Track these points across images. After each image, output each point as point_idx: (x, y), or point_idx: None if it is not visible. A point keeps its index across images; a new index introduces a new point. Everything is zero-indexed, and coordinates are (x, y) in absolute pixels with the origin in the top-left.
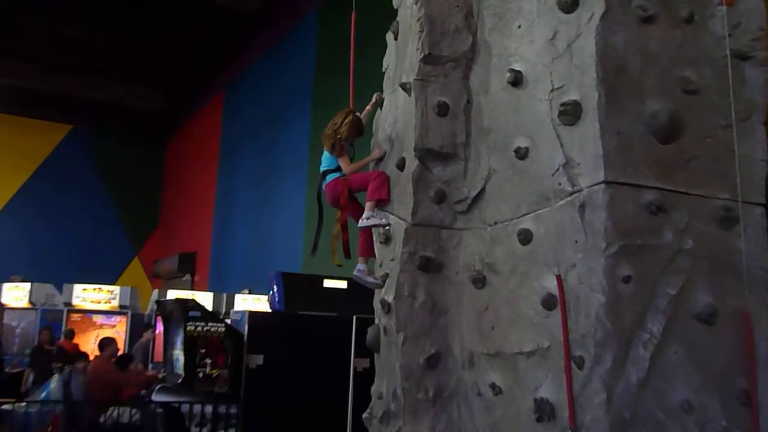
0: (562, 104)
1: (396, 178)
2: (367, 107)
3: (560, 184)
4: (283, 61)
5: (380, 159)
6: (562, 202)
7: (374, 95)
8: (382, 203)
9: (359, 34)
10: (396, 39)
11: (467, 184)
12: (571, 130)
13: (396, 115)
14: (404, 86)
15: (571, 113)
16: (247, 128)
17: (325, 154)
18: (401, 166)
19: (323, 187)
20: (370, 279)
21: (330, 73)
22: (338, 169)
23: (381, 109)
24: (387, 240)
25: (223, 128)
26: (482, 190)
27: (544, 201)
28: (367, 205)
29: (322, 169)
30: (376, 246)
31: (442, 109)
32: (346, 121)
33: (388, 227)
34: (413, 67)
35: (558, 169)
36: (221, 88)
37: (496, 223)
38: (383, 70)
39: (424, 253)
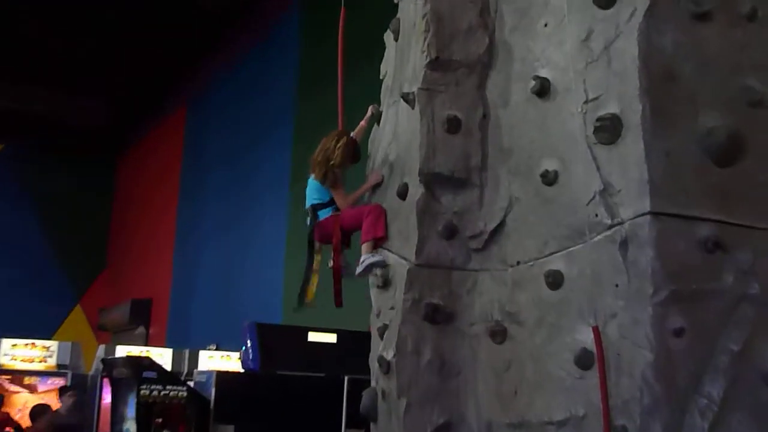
0: (599, 119)
1: (397, 209)
2: (362, 123)
3: (597, 215)
4: (259, 69)
5: (377, 186)
6: (599, 237)
7: (370, 108)
8: (380, 242)
9: (351, 35)
10: (396, 40)
11: (483, 216)
12: (609, 150)
13: (396, 132)
14: (406, 97)
15: (609, 130)
16: (215, 149)
17: (313, 184)
18: (403, 194)
19: (311, 225)
20: (372, 259)
21: (316, 83)
22: (331, 202)
23: (378, 125)
24: (386, 284)
25: (185, 149)
26: (502, 223)
27: (576, 236)
28: (364, 248)
29: (309, 203)
30: (372, 291)
31: (453, 125)
32: (340, 144)
33: (386, 268)
34: (417, 74)
35: (594, 197)
36: (183, 100)
37: (518, 263)
38: (381, 77)
39: (432, 299)
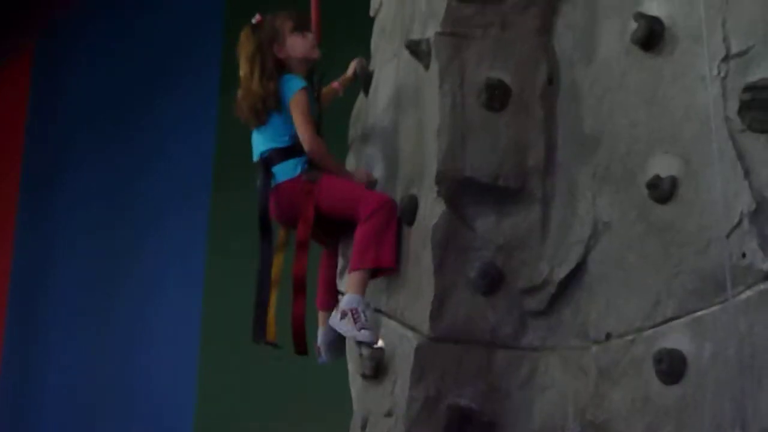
0: (750, 87)
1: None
2: (334, 84)
3: (744, 254)
4: None
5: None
6: (749, 293)
7: (352, 64)
8: (385, 273)
9: None
10: None
11: (549, 254)
12: (767, 140)
13: (398, 106)
14: (416, 47)
15: (767, 106)
16: (85, 113)
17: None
18: (409, 212)
19: (264, 189)
20: (360, 331)
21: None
22: (298, 148)
23: (365, 93)
24: (377, 372)
25: (30, 118)
26: (581, 267)
27: (710, 290)
28: (351, 279)
29: (259, 151)
30: (354, 384)
31: (497, 96)
32: (278, 23)
33: (378, 347)
34: (435, 7)
35: (740, 224)
36: (28, 36)
37: (609, 336)
38: (371, 13)
39: (458, 399)
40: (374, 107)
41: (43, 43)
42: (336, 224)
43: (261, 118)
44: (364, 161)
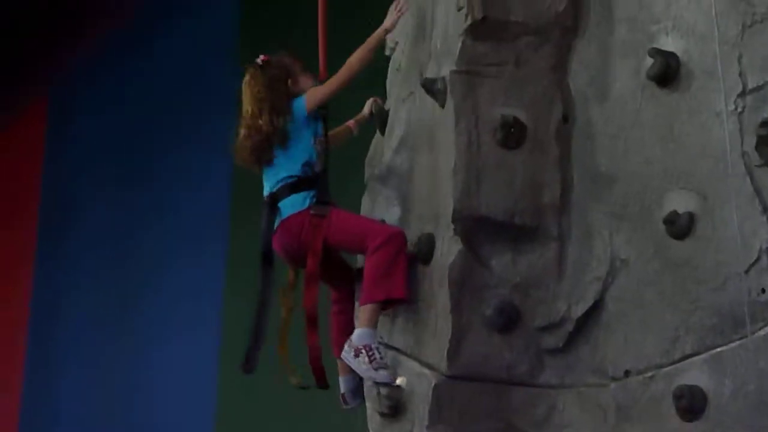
0: (766, 123)
1: (414, 279)
2: (348, 124)
3: (764, 290)
4: (168, 33)
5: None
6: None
7: (368, 103)
8: (396, 304)
9: None
10: None
11: (566, 292)
12: None
13: (412, 144)
14: (431, 86)
15: None
16: (100, 158)
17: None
18: (426, 251)
19: (268, 225)
20: (377, 371)
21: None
22: (307, 182)
23: (381, 132)
24: (395, 410)
25: (46, 163)
26: (598, 305)
27: (728, 327)
28: (362, 312)
29: (270, 187)
30: (374, 423)
31: (512, 134)
32: (288, 61)
33: (397, 385)
34: (451, 46)
35: (759, 260)
36: (42, 88)
37: (628, 373)
38: (387, 52)
39: None
40: (390, 146)
41: (58, 92)
42: (344, 265)
43: (265, 156)
44: (380, 200)
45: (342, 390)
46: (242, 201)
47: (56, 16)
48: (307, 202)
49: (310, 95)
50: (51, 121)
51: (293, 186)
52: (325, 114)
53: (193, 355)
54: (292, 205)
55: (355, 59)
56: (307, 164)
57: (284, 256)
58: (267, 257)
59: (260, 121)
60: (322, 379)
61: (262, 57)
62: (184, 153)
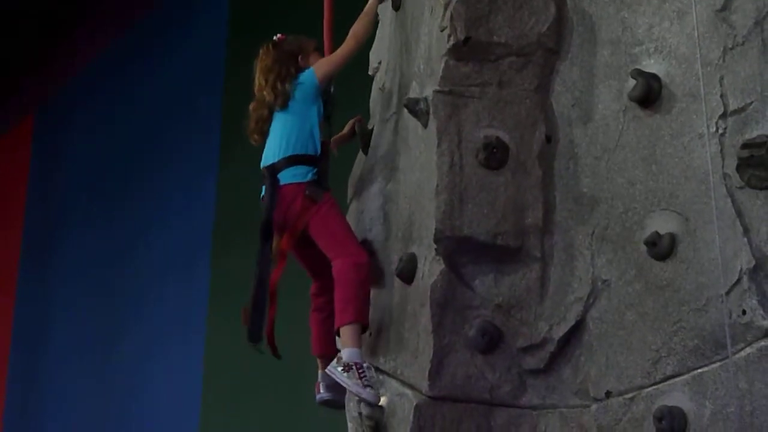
0: (748, 145)
1: (397, 300)
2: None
3: (744, 311)
4: (154, 57)
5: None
6: (748, 350)
7: (350, 123)
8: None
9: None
10: (397, 9)
11: (548, 313)
12: (766, 197)
13: (396, 165)
14: (414, 106)
15: (765, 163)
16: (84, 179)
17: (283, 123)
18: (407, 273)
19: (271, 198)
20: (365, 389)
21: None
22: (303, 159)
23: (364, 151)
24: (377, 430)
25: (31, 181)
26: (580, 326)
27: (709, 348)
28: (343, 335)
29: (270, 158)
30: None
31: (495, 155)
32: (303, 40)
33: (380, 406)
34: (434, 66)
35: (739, 282)
36: (29, 106)
37: (609, 394)
38: (370, 72)
39: None
40: (373, 166)
41: (44, 111)
42: (322, 256)
43: (266, 126)
44: (363, 220)
45: (319, 379)
46: (226, 224)
47: (44, 35)
48: (309, 176)
49: (320, 65)
50: (36, 141)
51: (295, 159)
52: (328, 100)
53: (177, 379)
54: (293, 175)
55: (360, 27)
56: (311, 141)
57: (276, 219)
58: (266, 231)
59: (265, 92)
60: (274, 349)
61: (278, 36)
62: (169, 174)
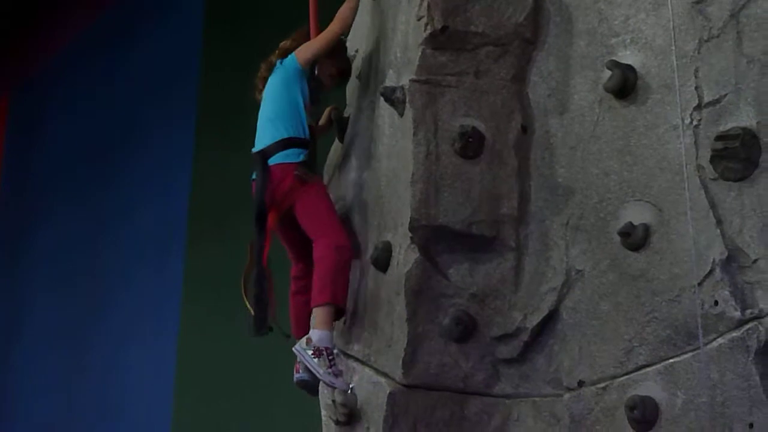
0: (721, 137)
1: (372, 288)
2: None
3: (716, 302)
4: (130, 44)
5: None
6: (720, 341)
7: (326, 111)
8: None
9: None
10: None
11: (522, 302)
12: (739, 190)
13: (372, 154)
14: (390, 95)
15: (738, 156)
16: (59, 164)
17: (275, 86)
18: (382, 260)
19: (263, 179)
20: (336, 378)
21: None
22: (294, 142)
23: (340, 139)
24: (350, 418)
25: (5, 163)
26: (554, 316)
27: (681, 339)
28: (316, 315)
29: (264, 141)
30: (329, 430)
31: (471, 145)
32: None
33: (349, 392)
34: (410, 55)
35: (711, 273)
36: (3, 88)
37: (582, 383)
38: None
39: None
40: (349, 153)
41: (18, 95)
42: (306, 239)
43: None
44: (338, 207)
45: (298, 360)
46: (201, 210)
47: (20, 15)
48: (300, 157)
49: (301, 49)
50: (10, 124)
51: (287, 142)
52: (314, 86)
53: (151, 364)
54: (284, 156)
55: (346, 10)
56: (300, 124)
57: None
58: (261, 216)
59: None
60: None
61: None
62: (144, 160)
